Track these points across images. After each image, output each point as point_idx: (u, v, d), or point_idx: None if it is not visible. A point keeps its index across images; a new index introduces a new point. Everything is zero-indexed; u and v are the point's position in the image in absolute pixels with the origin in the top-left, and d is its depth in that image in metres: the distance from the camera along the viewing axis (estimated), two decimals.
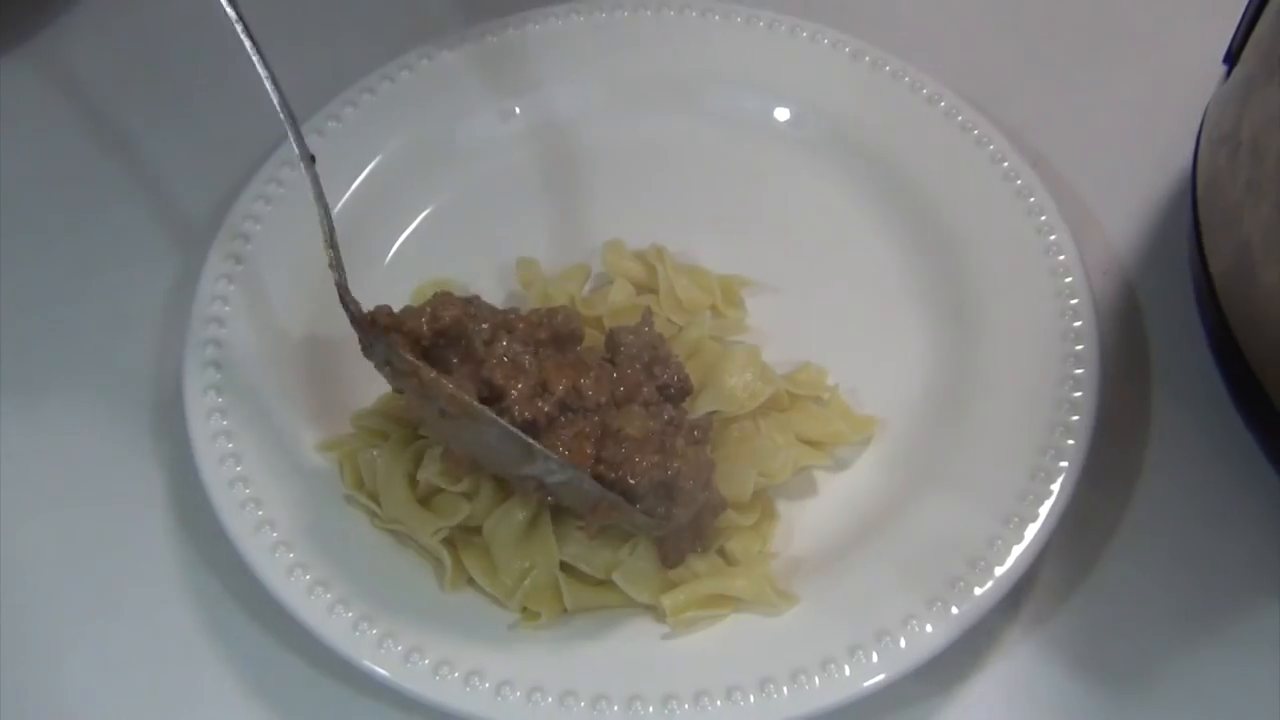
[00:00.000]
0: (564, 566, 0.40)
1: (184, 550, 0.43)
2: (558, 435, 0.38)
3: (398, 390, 0.40)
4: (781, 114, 0.52)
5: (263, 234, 0.47)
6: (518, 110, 0.52)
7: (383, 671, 0.37)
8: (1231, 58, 0.43)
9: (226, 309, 0.45)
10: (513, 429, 0.37)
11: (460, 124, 0.51)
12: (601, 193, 0.51)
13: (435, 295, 0.41)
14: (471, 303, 0.41)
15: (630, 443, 0.38)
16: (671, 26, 0.53)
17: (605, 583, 0.40)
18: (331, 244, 0.40)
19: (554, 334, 0.42)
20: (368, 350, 0.39)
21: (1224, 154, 0.41)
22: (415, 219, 0.50)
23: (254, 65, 0.43)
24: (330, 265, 0.40)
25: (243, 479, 0.41)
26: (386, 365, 0.39)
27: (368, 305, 0.47)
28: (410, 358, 0.38)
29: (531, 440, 0.37)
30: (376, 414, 0.42)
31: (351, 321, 0.39)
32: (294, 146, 0.42)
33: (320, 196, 0.41)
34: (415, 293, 0.47)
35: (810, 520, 0.42)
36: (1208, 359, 0.43)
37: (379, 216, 0.49)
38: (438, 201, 0.50)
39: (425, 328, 0.39)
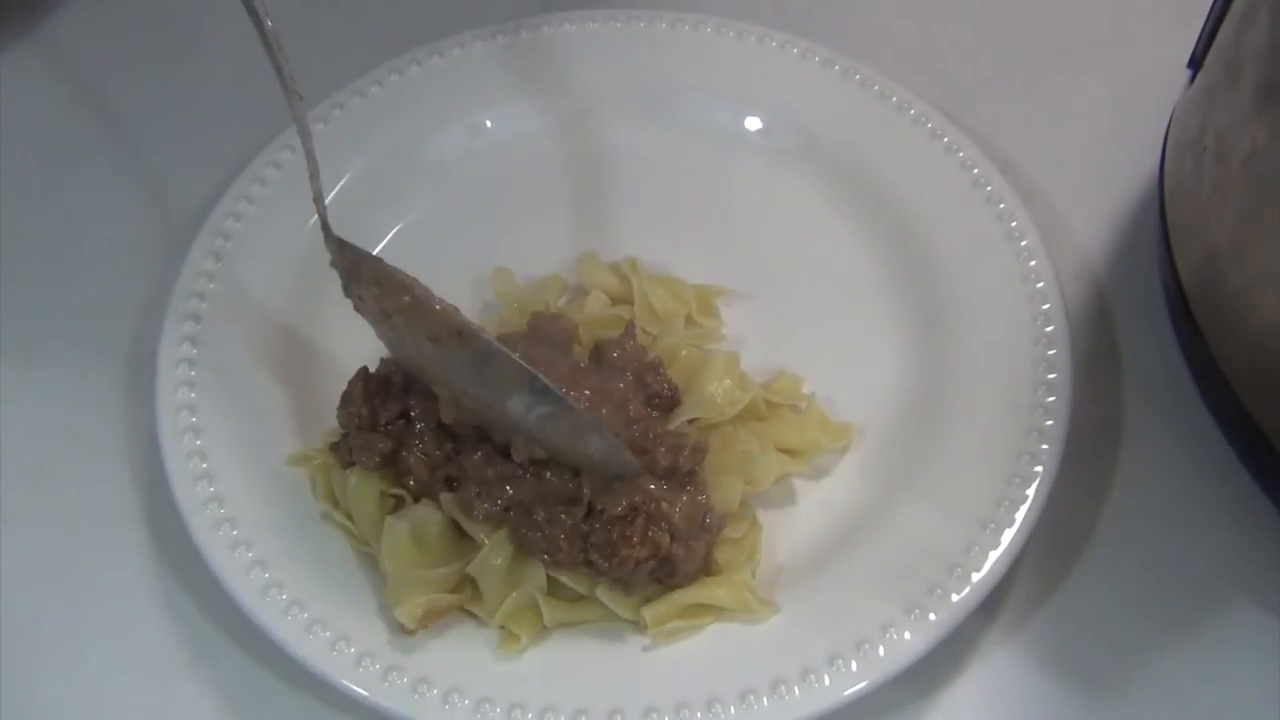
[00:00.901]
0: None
1: (159, 570, 0.42)
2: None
3: (384, 334, 0.40)
4: (753, 123, 0.52)
5: (234, 250, 0.47)
6: (489, 124, 0.52)
7: (361, 690, 0.37)
8: (1195, 63, 0.44)
9: (198, 328, 0.44)
10: (512, 355, 0.37)
11: (432, 138, 0.51)
12: (574, 205, 0.51)
13: None
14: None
15: (617, 525, 0.38)
16: (642, 37, 0.53)
17: (583, 597, 0.39)
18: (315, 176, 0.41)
19: (549, 341, 0.42)
20: (349, 287, 0.40)
21: (1190, 158, 0.42)
22: (388, 233, 0.50)
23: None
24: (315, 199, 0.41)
25: (217, 498, 0.40)
26: (376, 289, 0.39)
27: (340, 321, 0.47)
28: (403, 275, 0.38)
29: (535, 371, 0.37)
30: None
31: (333, 251, 0.40)
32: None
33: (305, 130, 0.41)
34: None
35: (789, 529, 0.42)
36: (1178, 360, 0.44)
37: (352, 231, 0.48)
38: (411, 216, 0.50)
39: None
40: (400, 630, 0.38)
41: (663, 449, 0.40)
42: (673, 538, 0.38)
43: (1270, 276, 0.37)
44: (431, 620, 0.38)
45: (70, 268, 0.50)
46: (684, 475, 0.40)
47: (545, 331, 0.43)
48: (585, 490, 0.39)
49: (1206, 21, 0.43)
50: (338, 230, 0.41)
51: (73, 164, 0.53)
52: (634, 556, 0.38)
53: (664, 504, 0.38)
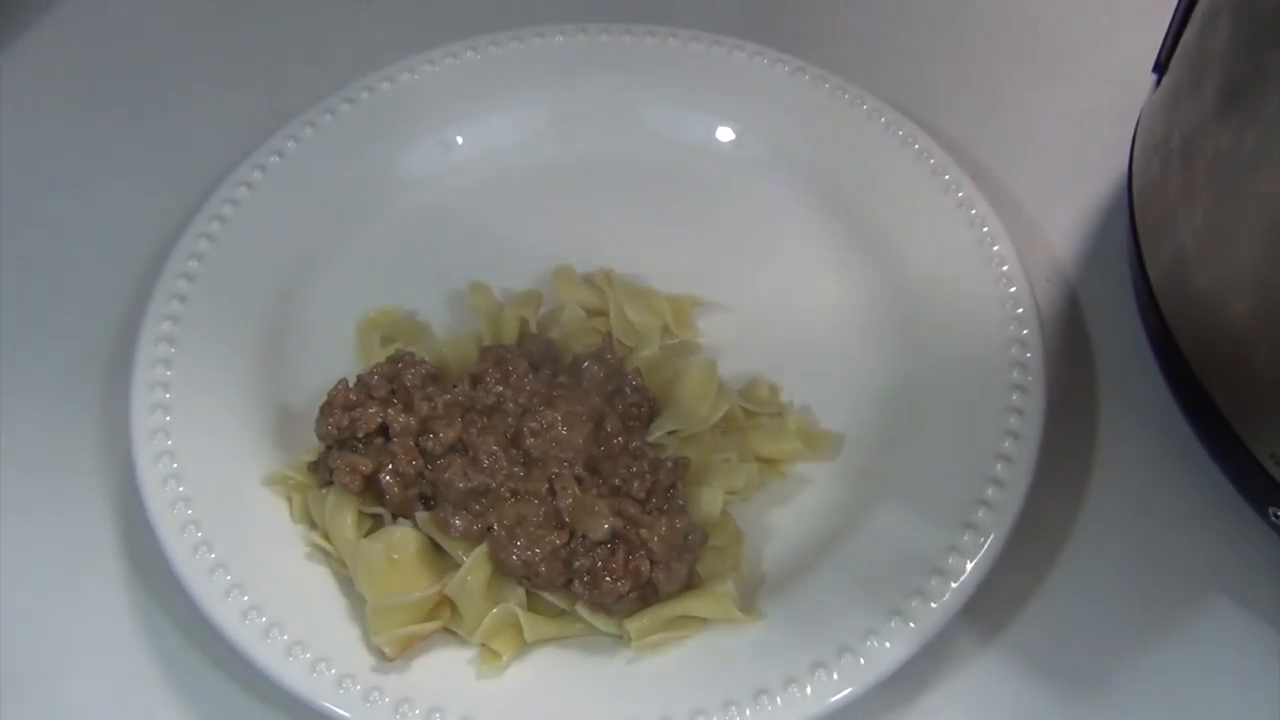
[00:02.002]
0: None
1: (137, 594, 0.42)
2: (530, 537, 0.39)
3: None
4: (725, 134, 0.52)
5: (207, 273, 0.46)
6: (459, 140, 0.52)
7: (342, 713, 0.37)
8: (1160, 67, 0.44)
9: (172, 350, 0.44)
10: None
11: (403, 155, 0.51)
12: (547, 219, 0.51)
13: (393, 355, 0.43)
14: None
15: (599, 551, 0.38)
16: (609, 50, 0.53)
17: (565, 612, 0.39)
18: None
19: (533, 361, 0.43)
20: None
21: (1157, 161, 0.42)
22: (361, 252, 0.49)
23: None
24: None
25: (194, 521, 0.40)
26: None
27: (315, 340, 0.47)
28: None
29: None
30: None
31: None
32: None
33: None
34: (363, 323, 0.47)
35: (769, 537, 0.42)
36: (1151, 361, 0.44)
37: (325, 250, 0.49)
38: (384, 233, 0.50)
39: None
40: (381, 656, 0.38)
41: (637, 479, 0.40)
42: (653, 563, 0.38)
43: (1237, 276, 0.38)
44: (412, 646, 0.38)
45: (42, 290, 0.50)
46: (665, 491, 0.40)
47: (529, 350, 0.43)
48: (566, 515, 0.39)
49: (1170, 26, 0.43)
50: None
51: (42, 186, 0.53)
52: (615, 590, 0.38)
53: (643, 531, 0.38)
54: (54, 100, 0.56)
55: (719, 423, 0.43)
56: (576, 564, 0.38)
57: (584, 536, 0.39)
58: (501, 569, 0.39)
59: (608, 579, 0.38)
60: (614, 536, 0.39)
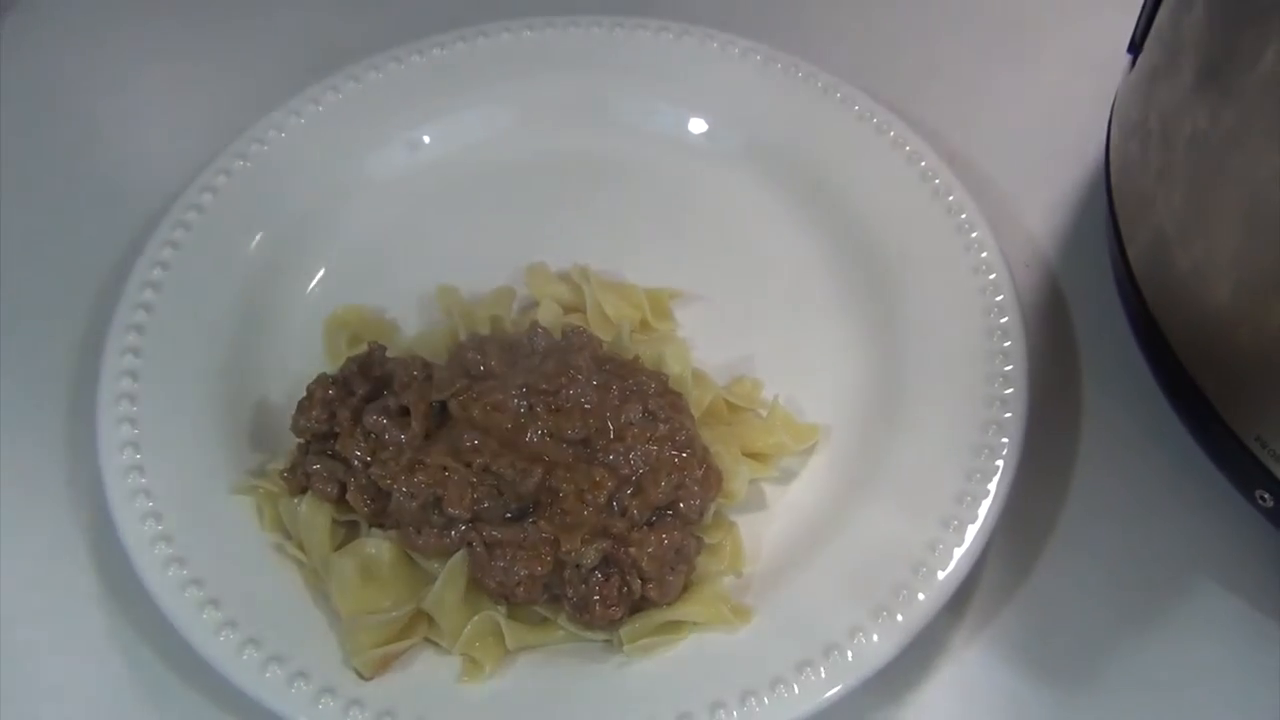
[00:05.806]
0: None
1: (110, 614, 0.41)
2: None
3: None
4: (697, 125, 0.52)
5: (172, 282, 0.45)
6: (426, 139, 0.51)
7: None
8: (1135, 47, 0.44)
9: (138, 361, 0.43)
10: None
11: (370, 156, 0.50)
12: (520, 215, 0.50)
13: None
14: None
15: (591, 580, 0.37)
16: (578, 43, 0.52)
17: (547, 619, 0.39)
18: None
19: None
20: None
21: (1134, 143, 0.42)
22: (331, 255, 0.49)
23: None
24: None
25: (165, 536, 0.39)
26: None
27: (283, 346, 0.46)
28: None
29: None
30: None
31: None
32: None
33: None
34: (329, 320, 0.46)
35: (757, 534, 0.42)
36: (1133, 345, 0.44)
37: (293, 254, 0.48)
38: (353, 236, 0.49)
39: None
40: (358, 676, 0.37)
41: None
42: (645, 580, 0.38)
43: (1218, 257, 0.37)
44: (389, 665, 0.37)
45: (5, 307, 0.49)
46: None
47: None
48: (563, 545, 0.38)
49: (1144, 5, 0.43)
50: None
51: (3, 196, 0.52)
52: (608, 616, 0.37)
53: (632, 550, 0.38)
54: (11, 106, 0.55)
55: (703, 416, 0.42)
56: (568, 592, 0.37)
57: (576, 566, 0.37)
58: (478, 587, 0.38)
59: (599, 606, 0.37)
60: (606, 561, 0.38)
